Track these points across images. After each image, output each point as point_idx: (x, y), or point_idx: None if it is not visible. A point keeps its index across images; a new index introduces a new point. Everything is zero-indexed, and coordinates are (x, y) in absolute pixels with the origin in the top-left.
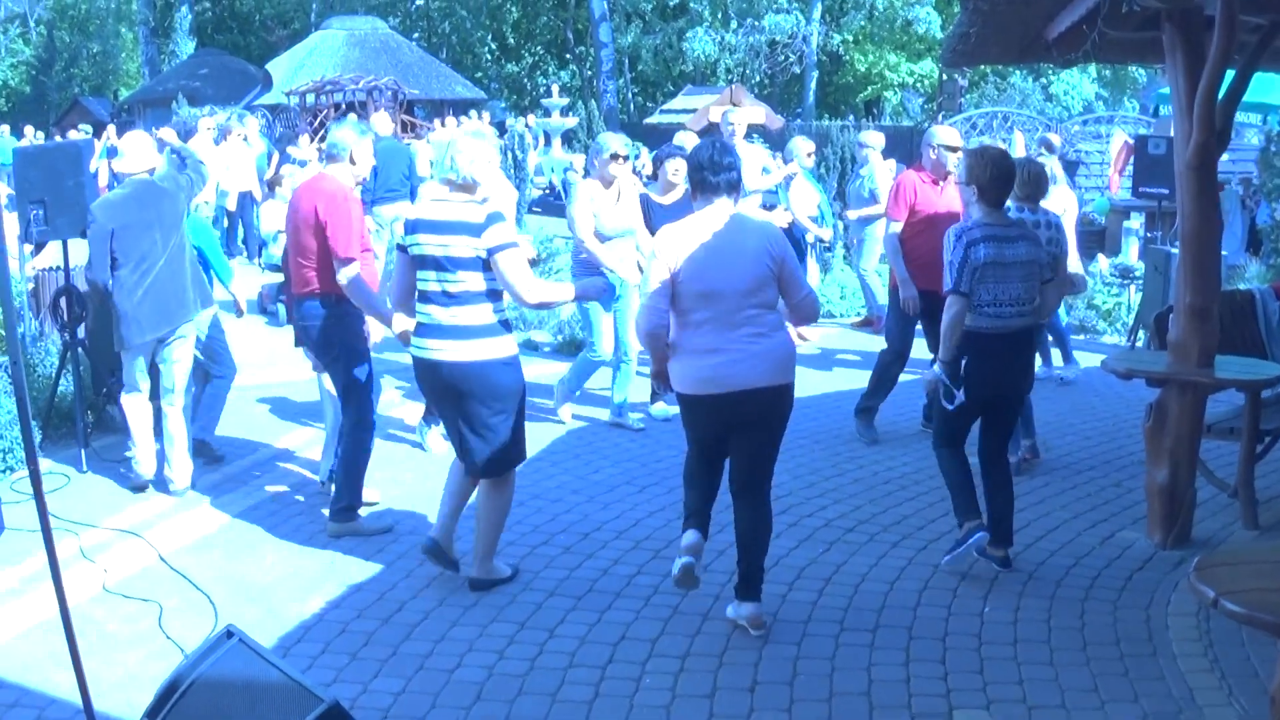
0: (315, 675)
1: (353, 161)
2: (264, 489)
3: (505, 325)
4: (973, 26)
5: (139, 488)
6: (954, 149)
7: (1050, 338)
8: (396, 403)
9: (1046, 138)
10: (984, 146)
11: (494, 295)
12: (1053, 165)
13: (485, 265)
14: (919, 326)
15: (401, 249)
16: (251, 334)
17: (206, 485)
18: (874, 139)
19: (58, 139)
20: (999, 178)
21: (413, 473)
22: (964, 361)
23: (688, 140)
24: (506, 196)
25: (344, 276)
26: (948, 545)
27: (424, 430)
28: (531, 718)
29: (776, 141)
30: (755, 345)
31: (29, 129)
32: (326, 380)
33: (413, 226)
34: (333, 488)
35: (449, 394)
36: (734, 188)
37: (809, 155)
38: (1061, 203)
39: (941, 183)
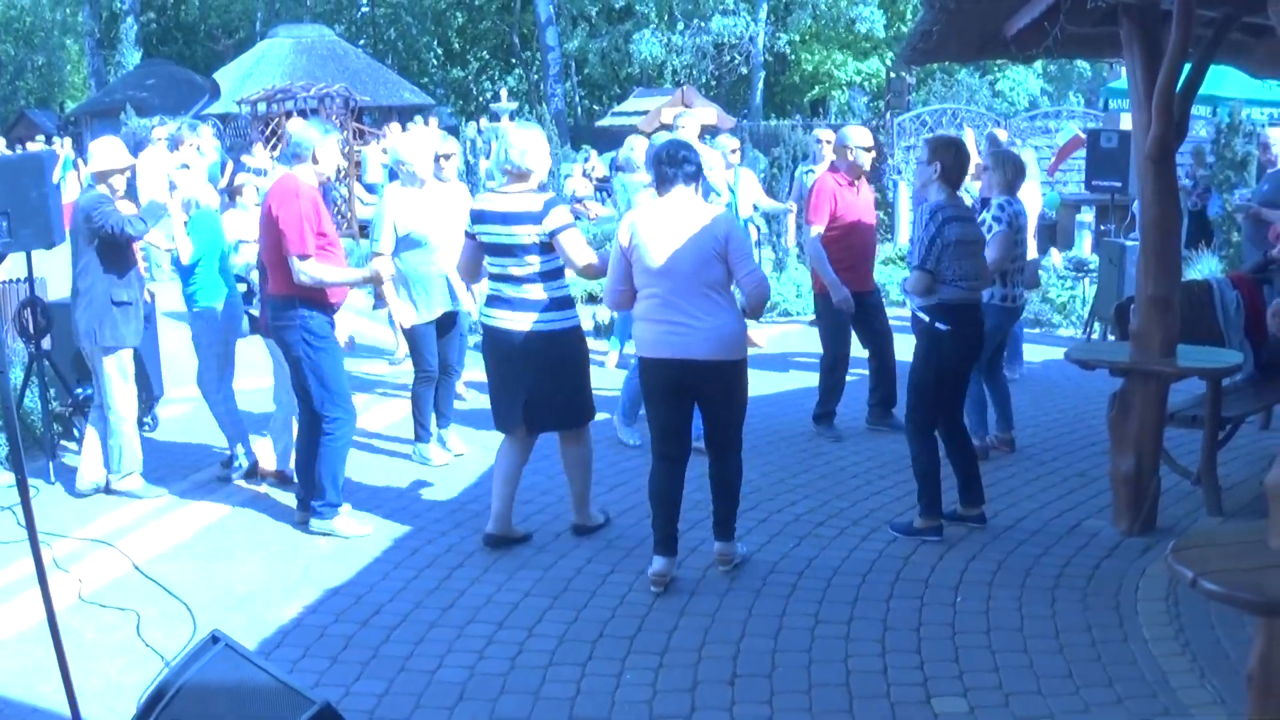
0: (298, 679)
1: (315, 160)
2: (236, 495)
3: (569, 300)
4: (935, 25)
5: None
6: (869, 149)
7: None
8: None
9: (993, 133)
10: (945, 134)
11: (558, 273)
12: (1026, 157)
13: (545, 248)
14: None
15: (470, 236)
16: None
17: (178, 492)
18: (829, 135)
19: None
20: (961, 160)
21: (382, 474)
22: (947, 331)
23: (638, 144)
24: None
25: (300, 274)
26: (917, 536)
27: (419, 447)
28: (515, 716)
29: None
30: (700, 322)
31: None
32: None
33: (478, 217)
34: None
35: (521, 359)
36: (691, 178)
37: (733, 152)
38: (1027, 195)
39: (857, 183)
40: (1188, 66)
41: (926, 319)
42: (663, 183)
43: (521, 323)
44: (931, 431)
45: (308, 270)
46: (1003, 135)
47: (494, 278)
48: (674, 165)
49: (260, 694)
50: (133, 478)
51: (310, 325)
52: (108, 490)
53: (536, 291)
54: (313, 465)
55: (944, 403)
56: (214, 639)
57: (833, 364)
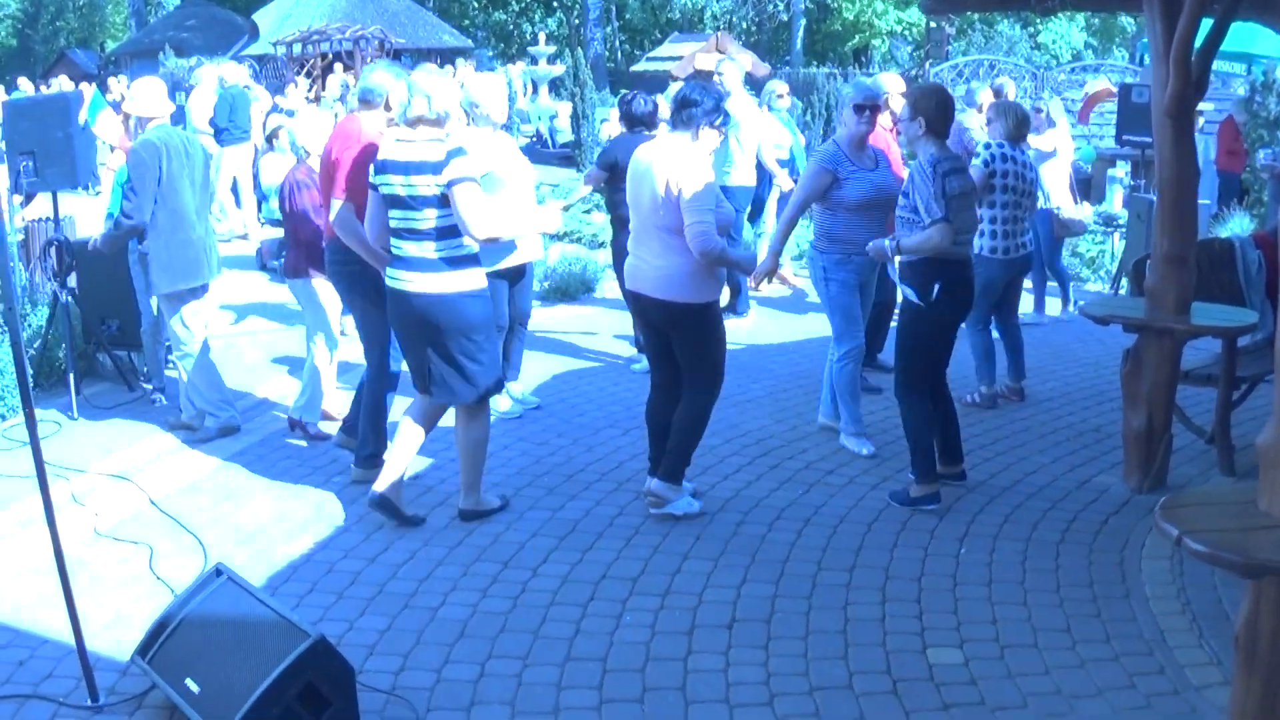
0: (303, 613)
1: (388, 107)
2: (253, 434)
3: (473, 259)
4: None
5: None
6: (903, 94)
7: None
8: None
9: (1000, 84)
10: (928, 83)
11: (455, 230)
12: (1053, 107)
13: (444, 200)
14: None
15: (373, 188)
16: (251, 288)
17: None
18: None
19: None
20: (943, 107)
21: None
22: (937, 287)
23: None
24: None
25: (331, 212)
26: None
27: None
28: (513, 653)
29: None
30: (651, 261)
31: (24, 81)
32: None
33: (381, 167)
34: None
35: (419, 325)
36: (685, 123)
37: (780, 97)
38: (1052, 142)
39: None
40: (1209, 22)
41: (921, 277)
42: (671, 125)
43: (418, 284)
44: (924, 391)
45: (339, 217)
46: (1010, 87)
47: (395, 234)
48: (679, 109)
49: (260, 626)
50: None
51: (368, 271)
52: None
53: (432, 250)
54: (379, 418)
55: (937, 368)
56: (217, 572)
57: (878, 313)
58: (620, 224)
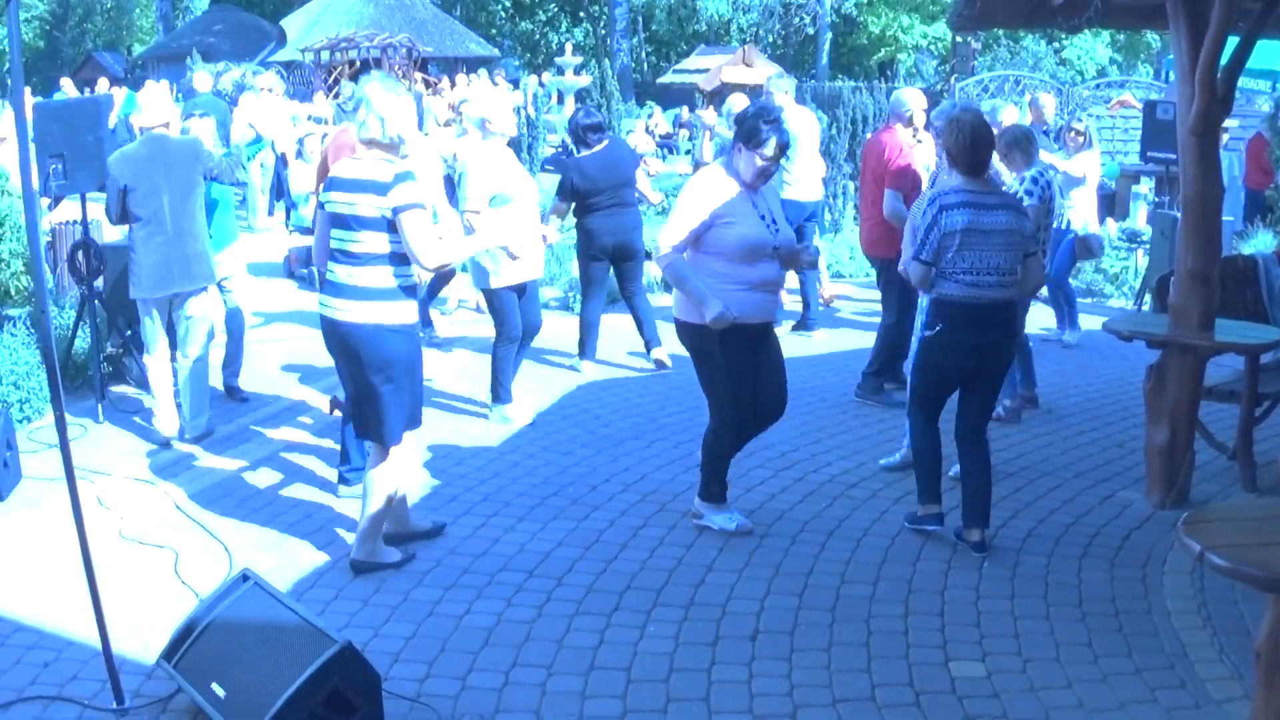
0: (328, 620)
1: None
2: (278, 440)
3: (407, 291)
4: None
5: (163, 444)
6: (924, 109)
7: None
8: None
9: (1037, 100)
10: (959, 114)
11: (398, 259)
12: (1089, 127)
13: (391, 226)
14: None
15: (320, 206)
16: (279, 295)
17: (221, 436)
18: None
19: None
20: (970, 144)
21: (461, 440)
22: (939, 329)
23: (737, 102)
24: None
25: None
26: (948, 503)
27: (499, 409)
28: (538, 662)
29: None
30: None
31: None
32: None
33: (330, 183)
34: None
35: (343, 355)
36: (733, 142)
37: (785, 93)
38: (1082, 167)
39: (921, 141)
40: (1235, 40)
41: (927, 311)
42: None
43: (343, 311)
44: (928, 418)
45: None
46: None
47: (332, 256)
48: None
49: (286, 632)
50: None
51: None
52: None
53: (367, 277)
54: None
55: (939, 401)
56: (244, 577)
57: (897, 326)
58: None
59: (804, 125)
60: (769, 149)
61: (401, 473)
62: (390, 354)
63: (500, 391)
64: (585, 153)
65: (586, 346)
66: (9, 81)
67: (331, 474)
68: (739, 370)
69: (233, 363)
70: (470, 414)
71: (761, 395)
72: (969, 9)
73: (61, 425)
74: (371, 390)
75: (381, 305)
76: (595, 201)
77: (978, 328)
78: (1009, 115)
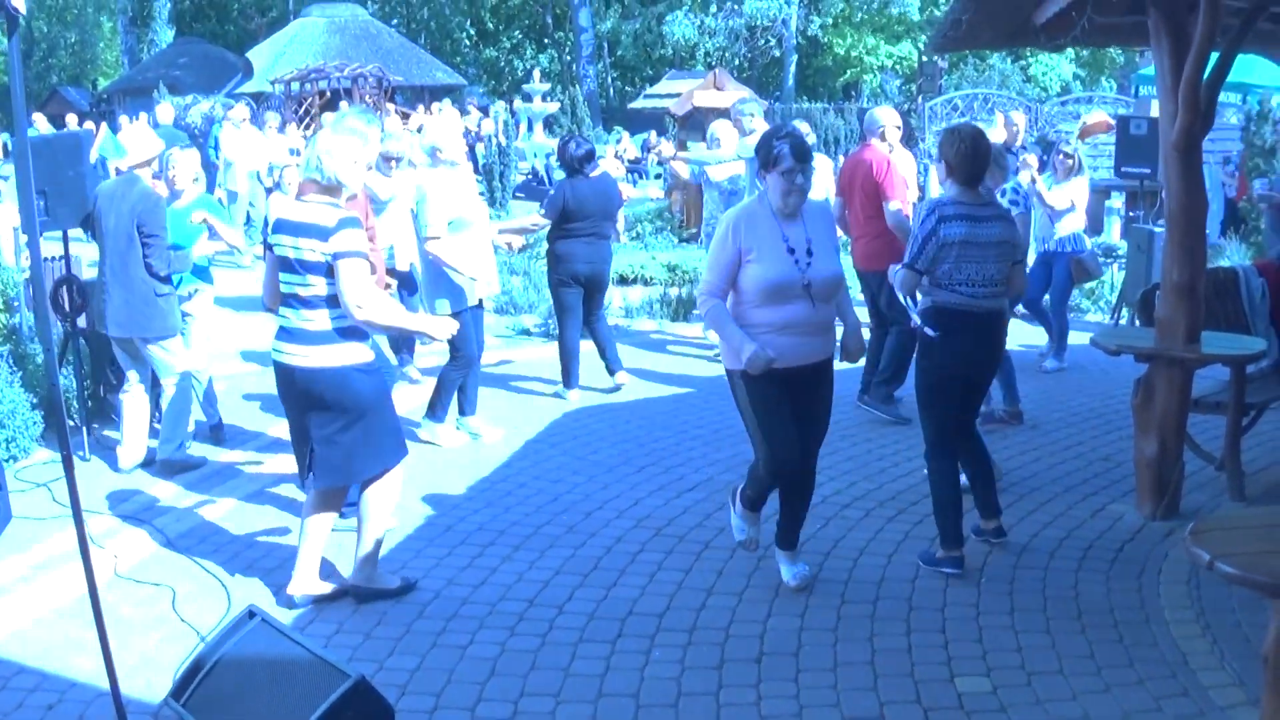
0: (331, 654)
1: None
2: (266, 474)
3: (358, 333)
4: (965, 13)
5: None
6: (898, 127)
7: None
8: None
9: (1010, 116)
10: (958, 125)
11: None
12: (1078, 150)
13: (330, 270)
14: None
15: (268, 248)
16: (259, 329)
17: (211, 470)
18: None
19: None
20: (969, 155)
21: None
22: (936, 336)
23: (721, 129)
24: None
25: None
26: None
27: (432, 426)
28: (546, 691)
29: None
30: None
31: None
32: None
33: (276, 226)
34: None
35: (302, 401)
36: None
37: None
38: (1068, 197)
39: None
40: (1215, 56)
41: (918, 322)
42: None
43: (301, 357)
44: (946, 449)
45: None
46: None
47: (283, 300)
48: None
49: (296, 668)
50: (186, 446)
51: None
52: (153, 465)
53: (321, 319)
54: None
55: (951, 419)
56: (250, 614)
57: (907, 339)
58: None
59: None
60: (788, 160)
61: (394, 496)
62: (358, 395)
63: (439, 410)
64: (592, 176)
65: (570, 375)
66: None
67: None
68: (764, 416)
69: (208, 405)
70: (466, 445)
71: (805, 440)
72: (954, 30)
73: (69, 466)
74: (341, 433)
75: (340, 347)
76: (576, 228)
77: (973, 336)
78: (994, 134)
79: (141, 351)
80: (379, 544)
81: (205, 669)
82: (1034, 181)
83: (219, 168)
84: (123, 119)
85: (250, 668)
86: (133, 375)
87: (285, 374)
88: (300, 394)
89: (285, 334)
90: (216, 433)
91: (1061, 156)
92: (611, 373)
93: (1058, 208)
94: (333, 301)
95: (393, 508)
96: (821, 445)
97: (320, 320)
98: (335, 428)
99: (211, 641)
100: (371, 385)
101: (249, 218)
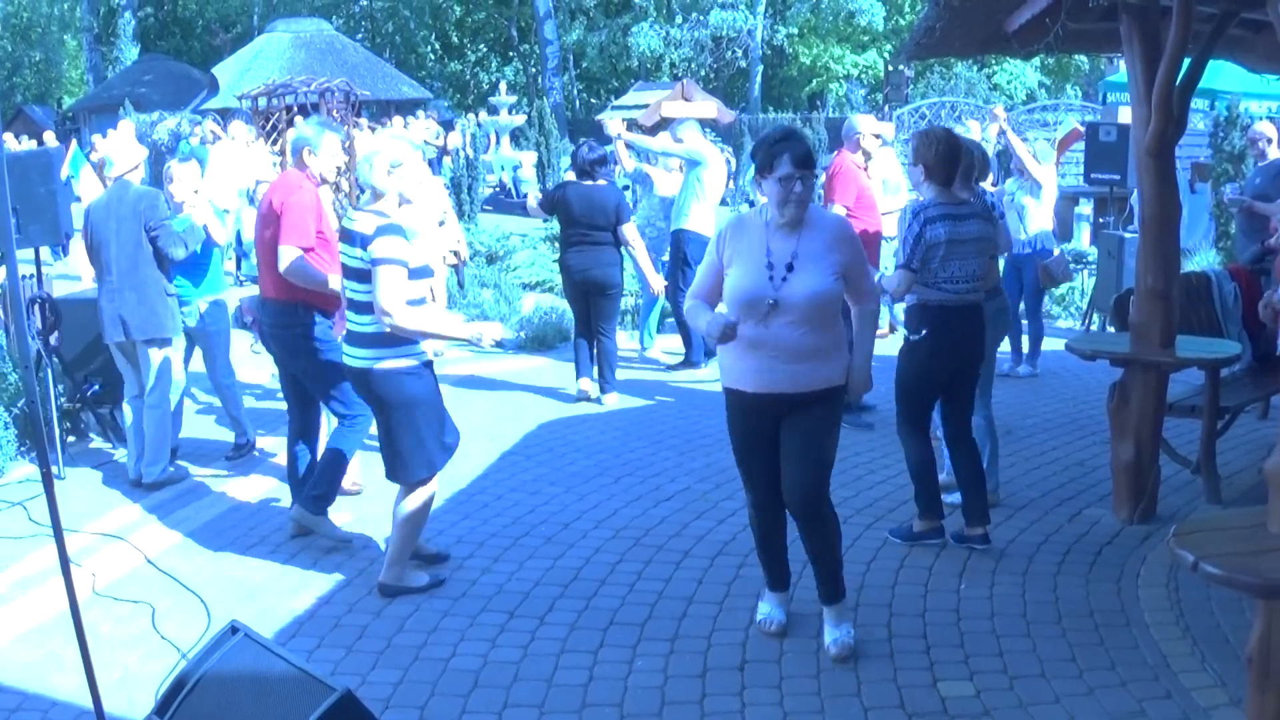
0: (315, 669)
1: (314, 158)
2: (243, 490)
3: (395, 337)
4: (939, 21)
5: (134, 483)
6: (877, 135)
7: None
8: None
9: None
10: (929, 129)
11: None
12: (1041, 149)
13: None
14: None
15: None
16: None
17: (188, 486)
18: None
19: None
20: (945, 157)
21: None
22: (924, 333)
23: (686, 132)
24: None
25: (282, 261)
26: (917, 540)
27: None
28: (529, 702)
29: (727, 135)
30: None
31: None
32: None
33: (339, 235)
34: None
35: (367, 399)
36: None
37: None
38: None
39: (868, 169)
40: (1187, 61)
41: (910, 318)
42: None
43: (363, 359)
44: (920, 430)
45: (294, 266)
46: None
47: (349, 304)
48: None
49: (281, 683)
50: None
51: (316, 332)
52: (145, 483)
53: (367, 323)
54: (307, 481)
55: (928, 408)
56: (233, 629)
57: None
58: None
59: (711, 153)
60: (785, 166)
61: (426, 504)
62: (406, 395)
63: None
64: (588, 183)
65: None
66: None
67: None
68: (736, 441)
69: (235, 419)
70: None
71: (785, 480)
72: (927, 38)
73: (49, 484)
74: (390, 431)
75: (391, 350)
76: (569, 234)
77: (960, 329)
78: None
79: (143, 359)
80: (407, 546)
81: (188, 686)
82: (1004, 135)
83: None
84: (96, 138)
85: (234, 683)
86: (131, 387)
87: (352, 374)
88: (364, 392)
89: (349, 337)
90: (239, 451)
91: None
92: (602, 390)
93: (1041, 180)
94: (371, 308)
95: (419, 518)
96: (824, 487)
97: (370, 324)
98: (389, 424)
99: (194, 658)
100: (418, 387)
101: (239, 236)
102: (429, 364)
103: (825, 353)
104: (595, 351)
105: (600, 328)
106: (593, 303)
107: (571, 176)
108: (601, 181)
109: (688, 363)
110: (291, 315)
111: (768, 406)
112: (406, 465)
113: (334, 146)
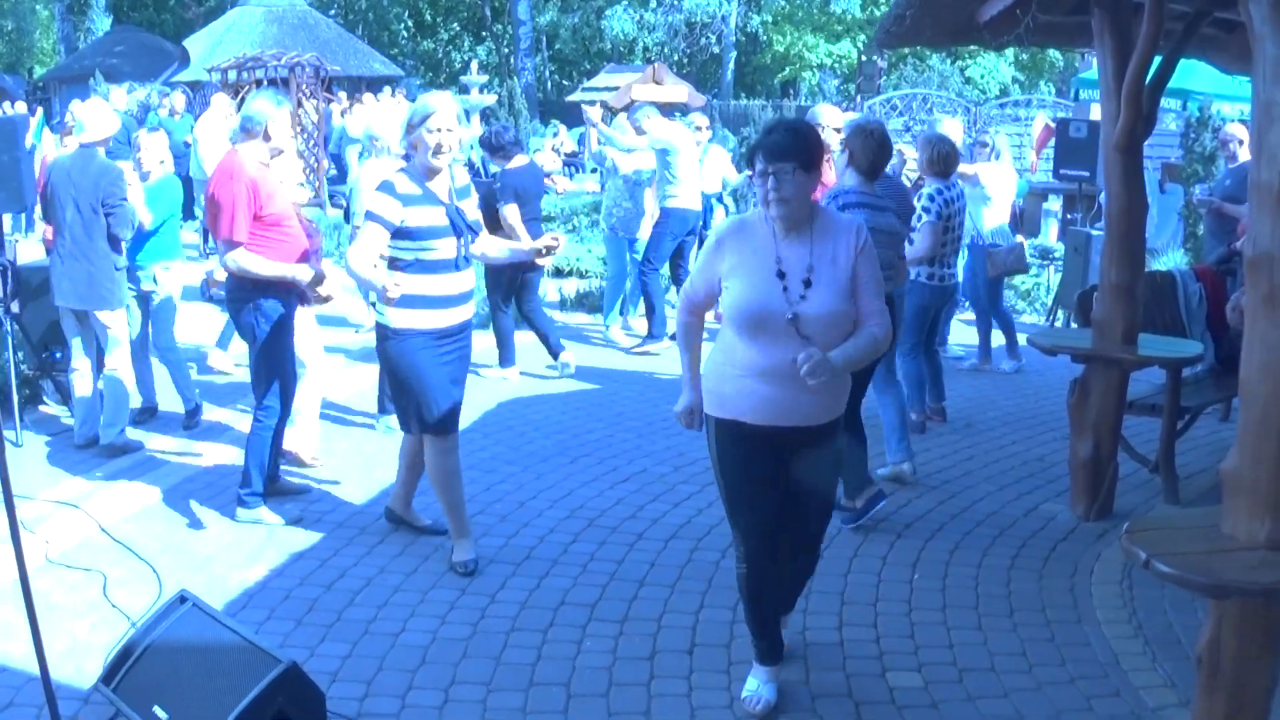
0: (263, 640)
1: (267, 137)
2: (199, 461)
3: (408, 299)
4: (909, 9)
5: (83, 449)
6: (838, 130)
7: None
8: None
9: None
10: (867, 121)
11: (393, 264)
12: (999, 142)
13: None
14: None
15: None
16: (198, 319)
17: (144, 456)
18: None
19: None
20: (874, 151)
21: (347, 442)
22: None
23: (648, 119)
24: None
25: (229, 261)
26: (877, 514)
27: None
28: (476, 679)
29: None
30: None
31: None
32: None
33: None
34: None
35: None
36: None
37: (699, 130)
38: (1000, 178)
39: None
40: (1158, 59)
41: None
42: None
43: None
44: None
45: (235, 258)
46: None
47: None
48: None
49: (227, 653)
50: (125, 431)
51: (264, 307)
52: (101, 445)
53: None
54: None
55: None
56: (182, 599)
57: None
58: None
59: (679, 136)
60: (759, 161)
61: (446, 461)
62: (387, 354)
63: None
64: (511, 165)
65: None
66: None
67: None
68: (731, 483)
69: (180, 387)
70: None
71: (787, 525)
72: (897, 26)
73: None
74: (391, 383)
75: (386, 310)
76: (523, 213)
77: None
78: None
79: (94, 324)
80: (452, 510)
81: (136, 654)
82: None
83: (190, 157)
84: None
85: (181, 653)
86: (77, 352)
87: None
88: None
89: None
90: (149, 415)
91: (979, 147)
92: (555, 356)
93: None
94: (386, 264)
95: (435, 475)
96: (820, 539)
97: None
98: (391, 378)
99: (142, 626)
100: (397, 349)
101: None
102: (410, 332)
103: (841, 381)
104: (535, 329)
105: (531, 305)
106: (526, 280)
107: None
108: (526, 156)
109: (651, 338)
110: (239, 289)
111: (772, 442)
112: (410, 415)
113: (283, 120)
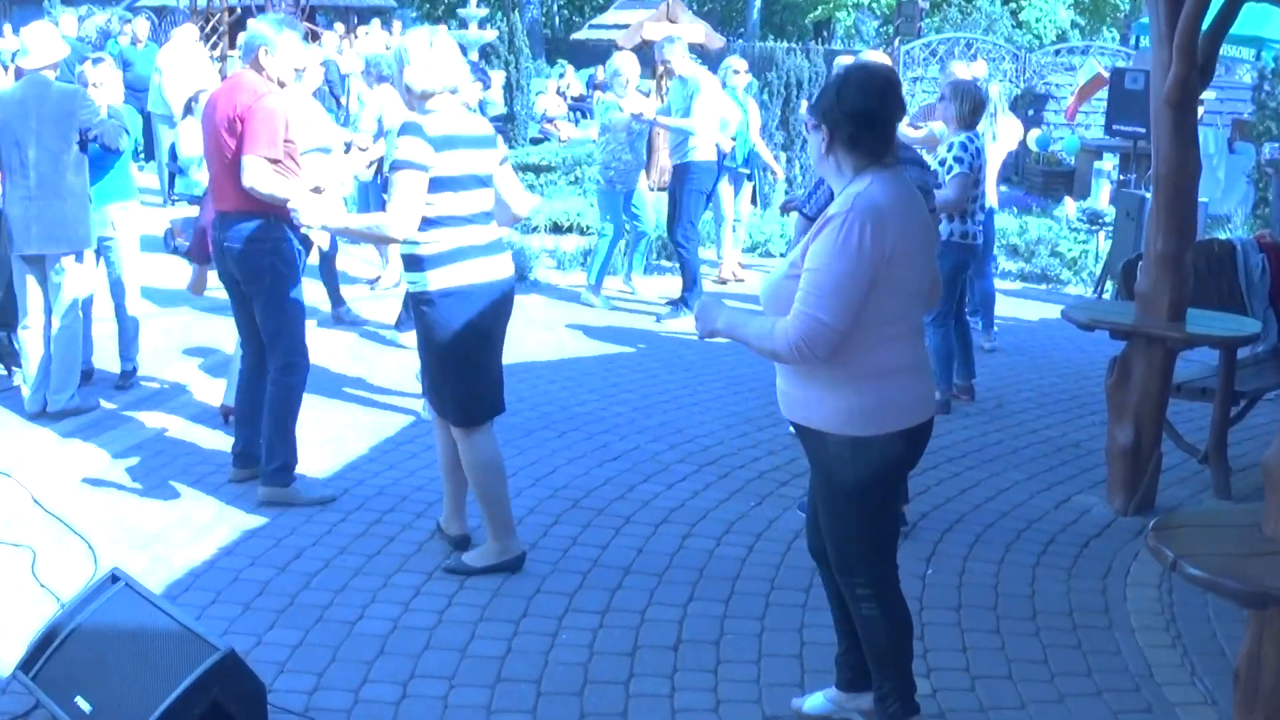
0: (206, 626)
1: (259, 66)
2: (150, 426)
3: (418, 260)
4: None
5: (33, 417)
6: None
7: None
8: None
9: (951, 67)
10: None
11: (426, 223)
12: (992, 92)
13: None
14: None
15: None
16: (159, 271)
17: (88, 421)
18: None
19: None
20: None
21: (353, 429)
22: None
23: (624, 61)
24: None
25: (247, 173)
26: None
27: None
28: (438, 673)
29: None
30: None
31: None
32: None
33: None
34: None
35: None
36: None
37: (736, 74)
38: (1004, 132)
39: None
40: (1218, 2)
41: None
42: None
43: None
44: None
45: (260, 175)
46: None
47: None
48: None
49: (161, 639)
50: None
51: (285, 252)
52: (50, 412)
53: (414, 244)
54: (257, 418)
55: None
56: (113, 578)
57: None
58: None
59: (705, 80)
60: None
61: (485, 455)
62: (424, 327)
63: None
64: None
65: None
66: None
67: (208, 465)
68: (877, 504)
69: (125, 344)
70: (371, 404)
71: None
72: None
73: None
74: (422, 362)
75: (418, 275)
76: None
77: None
78: (975, 69)
79: (53, 273)
80: (492, 508)
81: (59, 638)
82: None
83: (150, 90)
84: (6, 28)
85: (110, 637)
86: (34, 309)
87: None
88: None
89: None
90: (126, 379)
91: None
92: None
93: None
94: (423, 222)
95: (474, 471)
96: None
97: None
98: (423, 356)
99: (68, 607)
100: (434, 315)
101: (173, 151)
102: (450, 292)
103: None
104: None
105: None
106: None
107: None
108: None
109: (682, 303)
110: (259, 229)
111: (920, 442)
112: (448, 402)
113: (293, 45)
